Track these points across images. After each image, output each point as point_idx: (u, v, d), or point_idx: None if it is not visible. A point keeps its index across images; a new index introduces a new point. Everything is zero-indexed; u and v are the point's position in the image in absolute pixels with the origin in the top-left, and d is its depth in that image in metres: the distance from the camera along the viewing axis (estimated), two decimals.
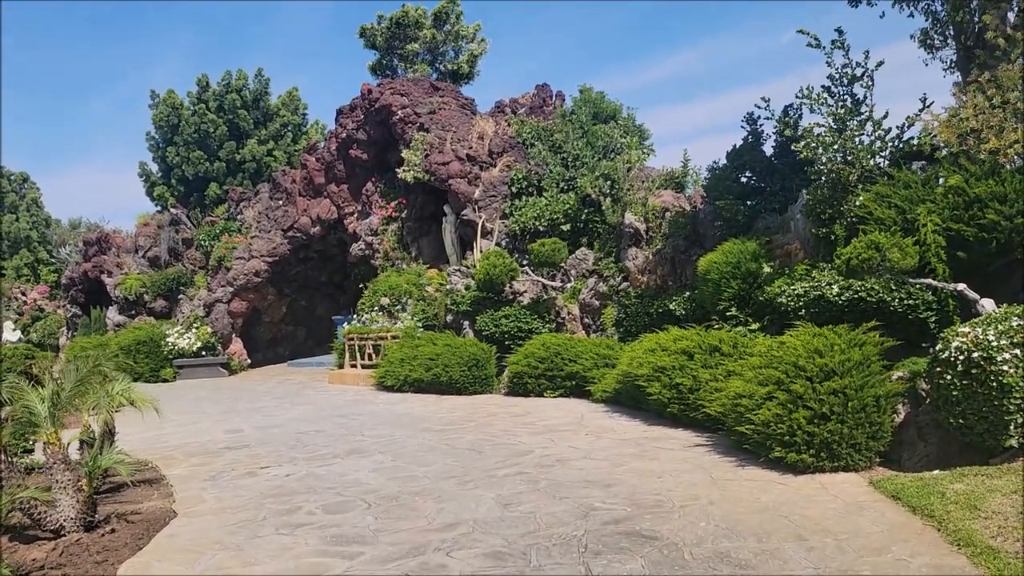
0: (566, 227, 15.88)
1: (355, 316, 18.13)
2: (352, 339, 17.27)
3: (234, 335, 22.51)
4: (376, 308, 17.30)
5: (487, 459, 8.32)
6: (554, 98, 20.61)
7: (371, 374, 15.94)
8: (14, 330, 24.49)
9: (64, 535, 6.08)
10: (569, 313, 14.92)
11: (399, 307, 17.08)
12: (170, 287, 23.74)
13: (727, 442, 8.10)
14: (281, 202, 22.87)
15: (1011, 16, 9.29)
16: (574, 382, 12.66)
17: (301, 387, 17.12)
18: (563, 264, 15.25)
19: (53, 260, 38.87)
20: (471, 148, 18.03)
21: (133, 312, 24.17)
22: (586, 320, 14.82)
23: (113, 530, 6.22)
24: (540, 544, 5.30)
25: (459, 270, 16.73)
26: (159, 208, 28.27)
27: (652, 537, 5.32)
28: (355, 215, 20.97)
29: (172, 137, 27.91)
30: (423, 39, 23.18)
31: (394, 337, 16.06)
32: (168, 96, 28.29)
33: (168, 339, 20.77)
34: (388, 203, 19.71)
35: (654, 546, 5.14)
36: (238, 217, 24.53)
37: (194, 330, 21.21)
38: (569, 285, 15.17)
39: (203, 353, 21.05)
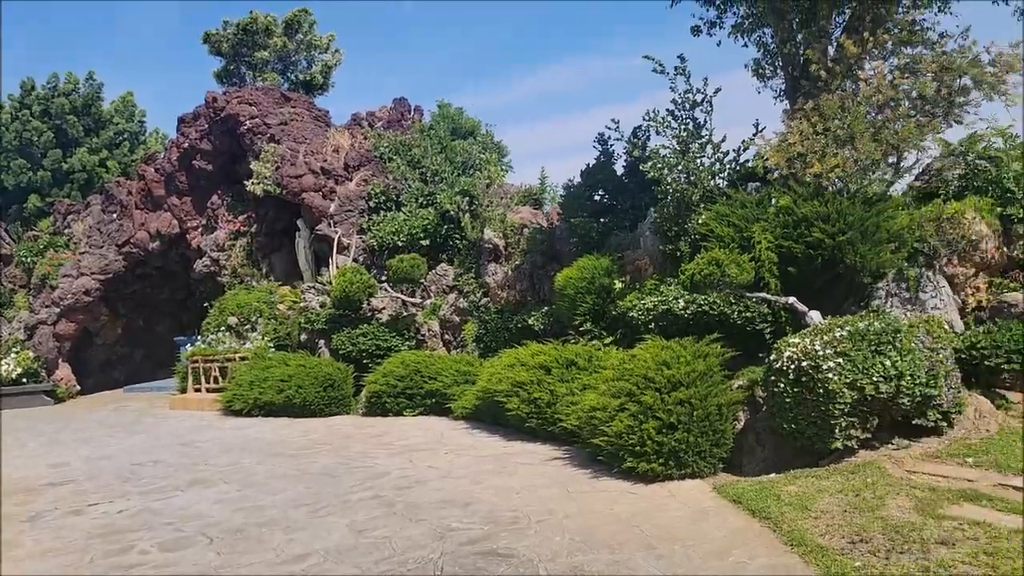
0: (426, 243, 15.76)
1: (200, 337, 17.06)
2: (196, 361, 16.24)
3: (61, 359, 20.57)
4: (223, 328, 16.38)
5: (342, 483, 8.01)
6: (412, 112, 20.46)
7: (217, 398, 15.03)
8: None
9: None
10: (429, 330, 14.78)
11: (248, 326, 16.25)
12: None
13: (583, 454, 8.24)
14: (115, 215, 21.21)
15: (831, 50, 10.17)
16: (434, 400, 12.51)
17: (138, 414, 15.86)
18: (423, 280, 15.10)
19: None
20: (326, 161, 17.53)
21: None
22: (447, 336, 14.72)
23: None
24: (395, 571, 5.13)
25: (314, 287, 16.17)
26: None
27: (508, 555, 5.28)
28: (199, 229, 19.80)
29: None
30: (273, 47, 22.34)
31: (243, 358, 15.25)
32: None
33: None
34: (236, 217, 18.77)
35: (510, 564, 5.10)
36: (65, 231, 22.51)
37: (13, 355, 19.18)
38: (429, 301, 15.04)
39: (24, 380, 19.07)
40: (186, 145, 19.42)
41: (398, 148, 18.05)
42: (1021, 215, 9.17)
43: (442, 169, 17.33)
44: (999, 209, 9.25)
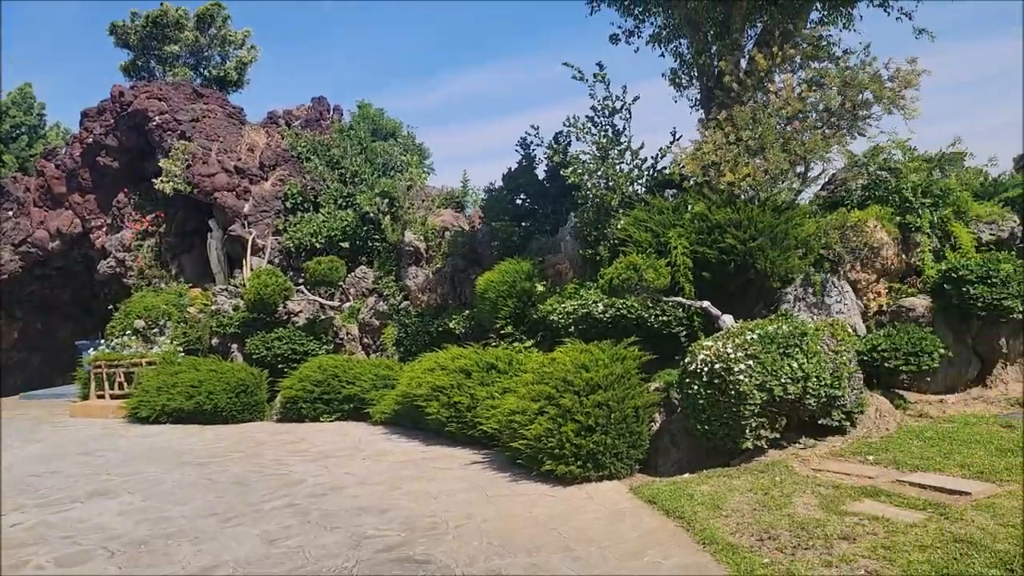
0: (345, 245, 15.47)
1: (104, 341, 16.24)
2: (100, 366, 15.43)
3: None
4: (129, 332, 15.64)
5: (253, 492, 7.75)
6: (332, 112, 20.07)
7: (123, 405, 14.33)
8: None
9: None
10: (348, 333, 14.50)
11: (156, 330, 15.58)
12: None
13: (503, 458, 8.23)
14: (11, 213, 19.96)
15: (744, 63, 10.52)
16: (352, 405, 12.28)
17: (35, 422, 14.96)
18: (341, 283, 14.82)
19: None
20: (240, 160, 17.00)
21: None
22: (366, 340, 14.48)
23: None
24: None
25: (227, 289, 15.64)
26: None
27: (425, 561, 5.21)
28: (104, 229, 18.87)
29: None
30: (184, 41, 21.55)
31: (150, 363, 14.60)
32: None
33: None
34: (144, 216, 17.97)
35: (427, 570, 5.03)
36: None
37: None
38: (348, 305, 14.76)
39: None
40: (90, 140, 18.48)
41: (316, 148, 17.68)
42: (919, 224, 9.70)
43: (362, 170, 17.06)
44: (899, 218, 9.77)
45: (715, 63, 10.69)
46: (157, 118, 17.46)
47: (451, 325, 12.14)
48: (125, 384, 14.99)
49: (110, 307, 17.50)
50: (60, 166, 19.30)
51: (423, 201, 15.86)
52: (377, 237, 15.25)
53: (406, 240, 14.25)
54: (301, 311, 14.51)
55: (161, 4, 21.34)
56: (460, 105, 58.65)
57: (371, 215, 15.37)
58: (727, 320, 8.09)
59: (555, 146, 11.85)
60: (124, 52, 21.98)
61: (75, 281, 21.29)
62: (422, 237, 14.34)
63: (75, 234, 19.19)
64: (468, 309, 12.25)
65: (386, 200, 15.22)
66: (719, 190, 9.20)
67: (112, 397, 15.13)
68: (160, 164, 16.99)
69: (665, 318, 8.93)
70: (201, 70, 22.42)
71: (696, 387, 6.95)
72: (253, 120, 19.57)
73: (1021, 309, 8.77)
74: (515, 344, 10.58)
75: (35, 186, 19.73)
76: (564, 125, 10.92)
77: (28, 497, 8.14)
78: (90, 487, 8.49)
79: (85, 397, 15.98)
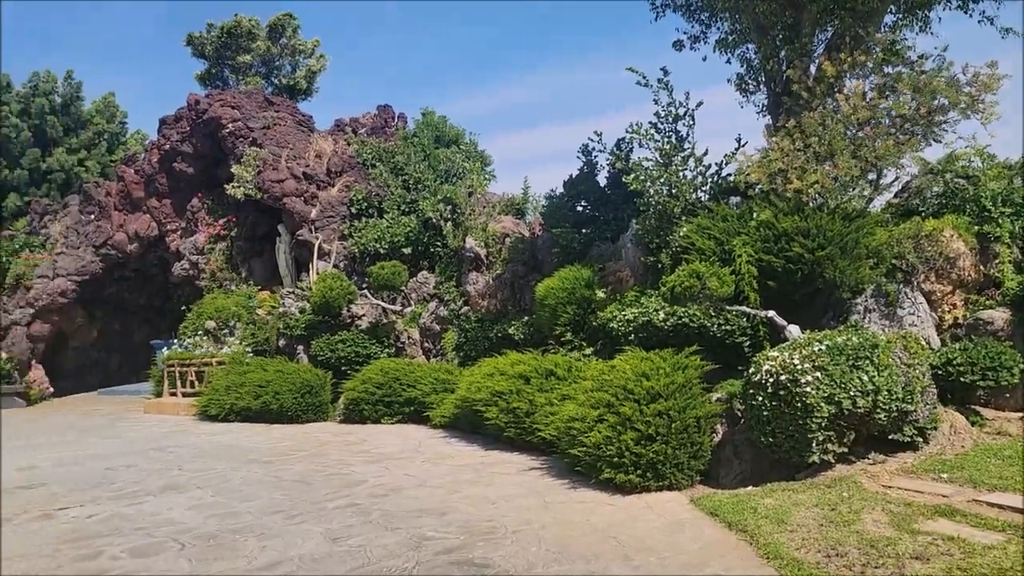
0: (407, 250, 15.70)
1: (177, 341, 16.87)
2: (173, 365, 16.04)
3: (34, 361, 20.23)
4: (200, 332, 16.20)
5: (317, 491, 7.92)
6: (396, 119, 20.44)
7: (193, 403, 14.85)
8: None
9: None
10: (409, 337, 14.71)
11: (226, 331, 16.09)
12: None
13: (561, 465, 8.21)
14: (93, 216, 20.95)
15: (813, 69, 10.29)
16: (413, 408, 12.44)
17: (112, 418, 15.62)
18: (404, 288, 15.04)
19: None
20: (308, 166, 17.45)
21: None
22: (426, 344, 14.66)
23: None
24: None
25: (293, 292, 16.06)
26: None
27: (484, 565, 5.23)
28: (179, 232, 19.62)
29: None
30: (256, 51, 22.27)
31: (220, 363, 15.09)
32: None
33: None
34: (216, 220, 18.62)
35: (486, 573, 5.05)
36: (42, 231, 22.20)
37: None
38: (409, 309, 14.97)
39: None
40: (167, 147, 19.25)
41: (381, 155, 18.02)
42: (998, 234, 9.30)
43: (425, 177, 17.30)
44: (976, 228, 9.37)
45: (783, 68, 10.48)
46: (230, 125, 18.09)
47: (510, 331, 12.19)
48: (196, 383, 15.52)
49: (183, 308, 18.17)
50: (139, 171, 20.16)
51: (484, 207, 15.99)
52: (439, 243, 15.43)
53: (467, 246, 14.38)
54: (364, 315, 14.79)
55: (235, 15, 22.12)
56: (521, 110, 58.95)
57: (433, 221, 15.57)
58: (793, 330, 7.90)
59: (617, 152, 11.80)
60: (200, 62, 22.86)
61: (151, 284, 22.20)
62: (483, 243, 14.45)
63: (152, 237, 20.00)
64: (527, 315, 12.28)
65: (448, 206, 15.40)
66: (786, 197, 9.01)
67: (184, 395, 15.69)
68: (232, 170, 17.59)
69: (728, 327, 8.78)
70: (272, 79, 23.14)
71: (760, 398, 6.80)
72: (321, 127, 20.09)
73: None
74: (574, 351, 10.55)
75: (116, 191, 20.64)
76: (627, 132, 10.86)
77: (104, 490, 8.49)
78: (162, 482, 8.81)
79: (158, 395, 16.62)
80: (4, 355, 19.19)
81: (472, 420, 10.62)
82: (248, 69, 22.40)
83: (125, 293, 22.18)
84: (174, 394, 16.00)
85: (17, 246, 21.60)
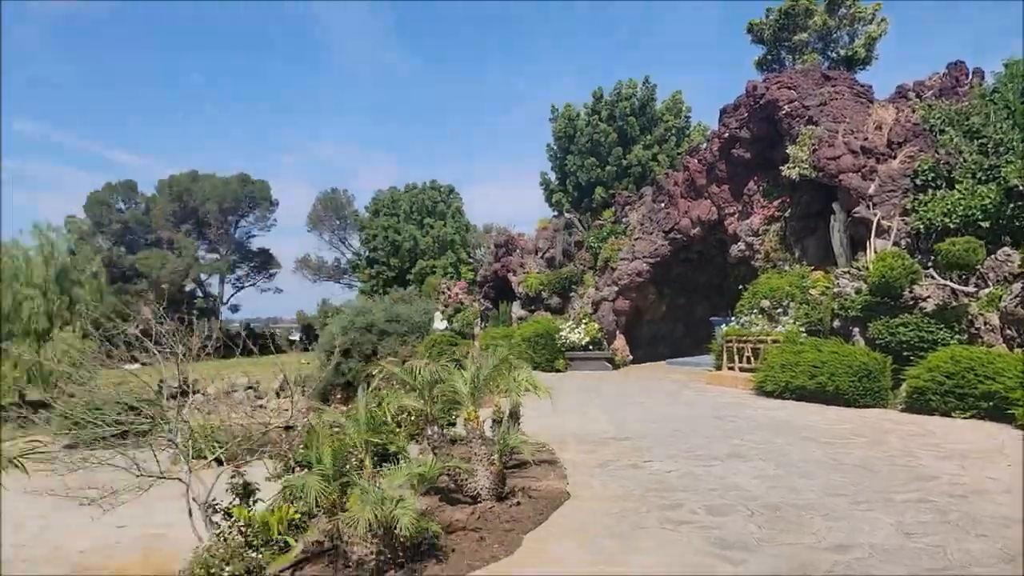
0: (984, 224, 13.76)
1: (733, 318, 17.96)
2: (730, 341, 17.16)
3: (617, 331, 23.88)
4: (755, 310, 16.93)
5: (880, 479, 7.72)
6: (970, 76, 17.88)
7: (749, 378, 15.69)
8: (441, 320, 29.06)
9: (480, 502, 7.19)
10: (986, 323, 12.93)
11: (780, 310, 16.49)
12: (563, 285, 26.06)
13: None
14: (663, 204, 23.59)
15: None
16: (991, 403, 10.97)
17: (679, 386, 17.51)
18: (979, 267, 13.27)
19: (471, 260, 45.45)
20: (866, 139, 16.59)
21: (532, 307, 27.05)
22: (1008, 332, 12.69)
23: (518, 503, 7.17)
24: None
25: (848, 272, 15.55)
26: (555, 213, 31.23)
27: None
28: (735, 215, 20.73)
29: (568, 147, 30.74)
30: (813, 27, 21.97)
31: (774, 341, 15.57)
32: (566, 109, 31.20)
33: (561, 333, 22.85)
34: (770, 202, 19.13)
35: None
36: (623, 220, 25.91)
37: (583, 325, 23.01)
38: (986, 291, 13.14)
39: (590, 347, 22.72)
40: (726, 135, 20.48)
41: (951, 118, 16.03)
42: None
43: (1008, 138, 14.80)
44: None
45: None
46: (786, 106, 18.32)
47: None
48: (752, 359, 16.33)
49: (739, 287, 19.22)
50: (701, 161, 21.92)
51: None
52: None
53: None
54: (929, 296, 13.51)
55: None
56: None
57: (1019, 189, 13.28)
58: None
59: None
60: (758, 48, 23.64)
61: (710, 264, 24.03)
62: None
63: (712, 221, 21.59)
64: None
65: None
66: None
67: (741, 370, 16.68)
68: (787, 151, 17.82)
69: None
70: (828, 53, 22.59)
71: None
72: (879, 96, 18.86)
73: None
74: None
75: (681, 180, 22.85)
76: None
77: (677, 449, 9.68)
78: (725, 449, 9.61)
79: (718, 368, 17.98)
80: (596, 325, 23.10)
81: None
82: (804, 47, 22.30)
83: (688, 273, 24.48)
84: (732, 368, 17.11)
85: (605, 233, 25.69)
